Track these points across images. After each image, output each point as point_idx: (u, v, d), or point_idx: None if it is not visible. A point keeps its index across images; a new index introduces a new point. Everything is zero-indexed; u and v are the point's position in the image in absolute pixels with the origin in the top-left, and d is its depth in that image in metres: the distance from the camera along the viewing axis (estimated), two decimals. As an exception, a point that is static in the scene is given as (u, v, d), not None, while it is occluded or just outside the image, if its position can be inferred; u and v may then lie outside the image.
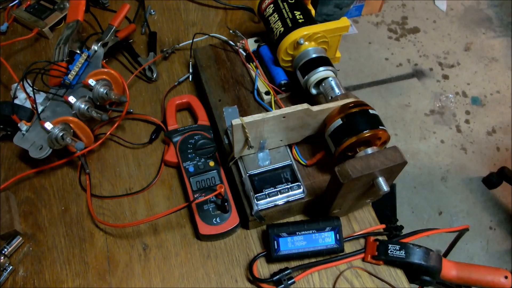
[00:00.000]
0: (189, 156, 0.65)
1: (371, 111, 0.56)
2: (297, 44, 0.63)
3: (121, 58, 0.81)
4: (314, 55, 0.63)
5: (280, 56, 0.66)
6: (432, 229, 0.63)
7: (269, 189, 0.59)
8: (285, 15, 0.66)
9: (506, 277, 0.57)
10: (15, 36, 0.84)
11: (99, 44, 0.73)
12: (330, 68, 0.62)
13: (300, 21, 0.64)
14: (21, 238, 0.61)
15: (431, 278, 0.59)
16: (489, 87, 1.90)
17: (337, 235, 0.58)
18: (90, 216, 0.63)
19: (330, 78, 0.61)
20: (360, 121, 0.54)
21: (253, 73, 0.70)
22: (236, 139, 0.56)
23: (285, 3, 0.67)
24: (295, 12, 0.66)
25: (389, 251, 0.57)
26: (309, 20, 0.65)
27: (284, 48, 0.64)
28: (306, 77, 0.62)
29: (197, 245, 0.61)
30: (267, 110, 0.67)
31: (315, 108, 0.56)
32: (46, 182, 0.67)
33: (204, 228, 0.59)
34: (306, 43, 0.63)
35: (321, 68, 0.61)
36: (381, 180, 0.50)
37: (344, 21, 0.64)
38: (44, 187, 0.66)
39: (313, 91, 0.64)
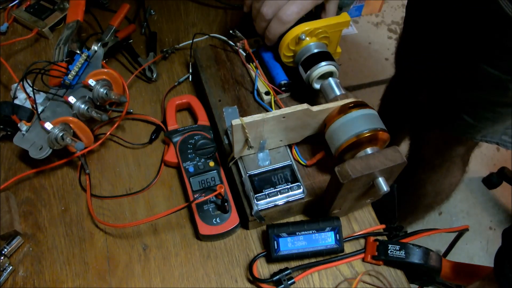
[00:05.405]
0: (189, 156, 0.65)
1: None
2: (298, 40, 0.63)
3: (121, 58, 0.81)
4: (315, 50, 0.63)
5: (281, 52, 0.66)
6: (432, 229, 0.64)
7: (269, 189, 0.59)
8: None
9: (506, 277, 0.57)
10: (15, 36, 0.84)
11: (99, 44, 0.73)
12: (332, 62, 0.62)
13: (301, 16, 0.64)
14: (21, 238, 0.61)
15: (431, 278, 0.60)
16: (489, 87, 1.89)
17: (337, 235, 0.58)
18: (90, 216, 0.63)
19: (330, 79, 0.61)
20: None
21: (253, 73, 0.70)
22: (236, 139, 0.56)
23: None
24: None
25: (389, 251, 0.57)
26: (310, 16, 0.65)
27: (286, 44, 0.64)
28: (309, 71, 0.62)
29: (197, 245, 0.61)
30: (267, 110, 0.67)
31: (315, 108, 0.56)
32: (46, 182, 0.67)
33: (204, 228, 0.59)
34: (308, 38, 0.64)
35: (323, 63, 0.61)
36: (381, 180, 0.50)
37: (344, 17, 0.64)
38: (44, 187, 0.66)
39: (316, 86, 0.64)
